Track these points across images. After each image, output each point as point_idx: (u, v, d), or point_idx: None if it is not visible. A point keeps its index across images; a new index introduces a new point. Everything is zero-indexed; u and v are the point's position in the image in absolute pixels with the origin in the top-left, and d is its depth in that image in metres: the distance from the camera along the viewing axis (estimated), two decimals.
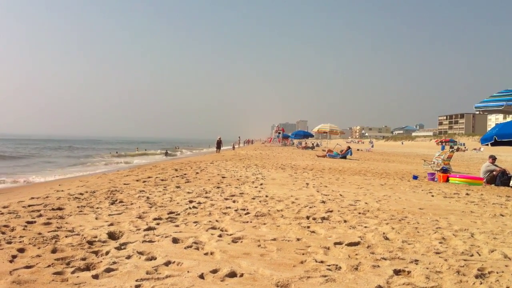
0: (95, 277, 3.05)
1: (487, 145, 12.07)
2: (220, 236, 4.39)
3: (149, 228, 4.64)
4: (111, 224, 4.80)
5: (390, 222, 5.53)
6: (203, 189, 8.43)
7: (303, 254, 3.84)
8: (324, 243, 4.25)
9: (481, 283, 3.15)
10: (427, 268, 3.47)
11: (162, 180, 10.04)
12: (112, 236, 4.29)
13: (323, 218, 5.58)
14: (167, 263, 3.40)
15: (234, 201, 6.90)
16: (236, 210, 5.99)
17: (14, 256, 3.44)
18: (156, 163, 19.28)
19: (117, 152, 43.65)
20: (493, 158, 12.49)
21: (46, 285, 2.85)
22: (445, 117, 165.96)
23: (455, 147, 64.33)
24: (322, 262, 3.58)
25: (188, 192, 7.83)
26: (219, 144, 36.17)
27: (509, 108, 12.15)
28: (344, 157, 25.37)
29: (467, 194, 9.18)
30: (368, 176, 13.22)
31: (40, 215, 5.22)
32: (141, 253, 3.67)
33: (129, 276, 3.06)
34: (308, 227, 5.02)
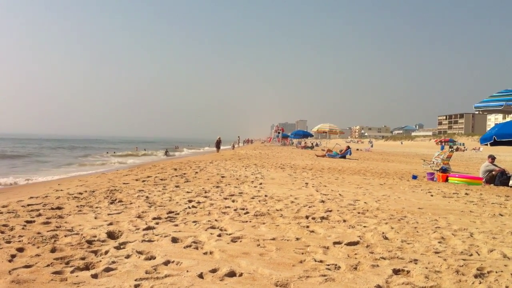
0: (94, 276, 3.05)
1: (487, 145, 12.08)
2: (219, 235, 4.39)
3: (148, 228, 4.64)
4: (111, 224, 4.80)
5: (389, 221, 5.54)
6: (203, 188, 8.42)
7: (302, 253, 3.85)
8: (323, 242, 4.25)
9: (480, 283, 3.16)
10: (426, 268, 3.48)
11: (161, 179, 10.04)
12: (111, 235, 4.29)
13: (322, 218, 5.58)
14: (166, 263, 3.40)
15: (233, 201, 6.90)
16: (235, 210, 5.99)
17: (13, 256, 3.44)
18: (155, 163, 19.27)
19: (114, 152, 43.62)
20: (492, 158, 12.50)
21: (45, 285, 2.85)
22: (444, 117, 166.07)
23: (455, 147, 64.39)
24: (321, 261, 3.58)
25: (188, 192, 7.83)
26: (218, 144, 36.20)
27: (509, 108, 12.16)
28: (343, 156, 25.37)
29: (466, 193, 9.19)
30: (367, 176, 13.22)
31: (39, 215, 5.21)
32: (140, 252, 3.67)
33: (128, 276, 3.06)
34: (307, 226, 5.03)
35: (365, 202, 7.24)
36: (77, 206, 5.95)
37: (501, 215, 6.47)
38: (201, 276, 3.11)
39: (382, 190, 9.38)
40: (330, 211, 6.17)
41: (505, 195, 9.19)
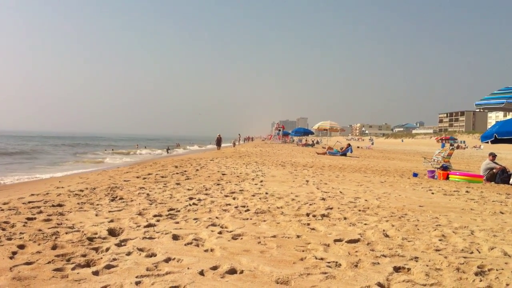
0: (95, 273, 3.05)
1: (487, 142, 12.07)
2: (220, 233, 4.40)
3: (149, 225, 4.65)
4: (111, 221, 4.80)
5: (390, 219, 5.54)
6: (203, 186, 8.43)
7: (303, 251, 3.85)
8: (324, 240, 4.25)
9: (480, 281, 3.16)
10: (427, 265, 3.48)
11: (162, 177, 10.04)
12: (112, 232, 4.29)
13: (323, 215, 5.58)
14: (167, 260, 3.40)
15: (234, 198, 6.90)
16: (236, 207, 6.00)
17: (14, 253, 3.45)
18: (156, 160, 19.27)
19: (112, 150, 43.70)
20: (493, 156, 12.49)
21: (46, 282, 2.85)
22: (445, 115, 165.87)
23: (455, 144, 64.35)
24: (322, 259, 3.58)
25: (188, 189, 7.84)
26: (219, 141, 36.24)
27: (510, 106, 12.13)
28: (344, 154, 25.37)
29: (467, 191, 9.19)
30: (368, 174, 13.22)
31: (40, 212, 5.22)
32: (141, 249, 3.67)
33: (129, 273, 3.06)
34: (308, 224, 5.03)
35: (366, 200, 7.24)
36: (78, 203, 5.95)
37: (502, 213, 6.47)
38: (202, 273, 3.12)
39: (383, 187, 9.38)
40: (331, 208, 6.18)
41: (505, 193, 9.19)
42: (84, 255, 3.47)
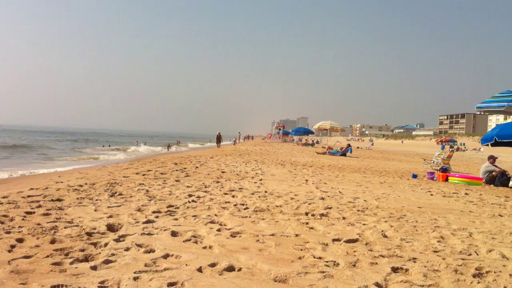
0: (94, 268, 3.05)
1: (487, 145, 12.06)
2: (218, 230, 4.40)
3: (148, 221, 4.65)
4: (110, 216, 4.80)
5: (388, 220, 5.54)
6: (203, 183, 8.43)
7: (301, 250, 3.85)
8: (322, 239, 4.25)
9: (478, 282, 3.16)
10: (425, 267, 3.48)
11: (161, 173, 10.04)
12: (111, 228, 4.29)
13: (322, 215, 5.58)
14: (166, 256, 3.40)
15: (233, 196, 6.91)
16: (235, 205, 6.00)
17: (12, 246, 3.45)
18: (155, 157, 19.26)
19: (109, 145, 43.82)
20: (493, 159, 12.49)
21: (45, 275, 2.85)
22: (445, 117, 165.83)
23: (455, 146, 64.34)
24: (320, 258, 3.58)
25: (188, 186, 7.84)
26: (219, 139, 36.25)
27: (511, 109, 12.14)
28: (344, 154, 25.37)
29: (466, 193, 9.18)
30: (367, 174, 13.22)
31: (40, 206, 5.22)
32: (139, 245, 3.67)
33: (127, 268, 3.06)
34: (307, 223, 5.03)
35: (365, 200, 7.24)
36: (77, 198, 5.95)
37: (501, 216, 6.47)
38: (200, 270, 3.12)
39: (382, 188, 9.38)
40: (330, 208, 6.17)
41: (505, 196, 9.19)
42: (82, 250, 3.47)
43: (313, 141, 56.99)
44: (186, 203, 5.98)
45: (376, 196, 7.94)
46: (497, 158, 13.00)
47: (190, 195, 6.70)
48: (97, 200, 5.94)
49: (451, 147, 57.56)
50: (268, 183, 9.05)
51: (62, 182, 7.90)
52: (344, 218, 5.47)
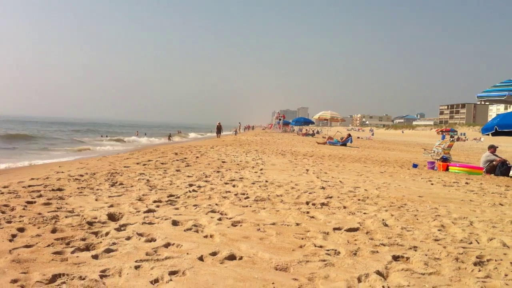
0: (95, 257, 3.05)
1: (488, 135, 12.03)
2: (219, 219, 4.40)
3: (149, 211, 4.65)
4: (111, 206, 4.81)
5: (389, 209, 5.54)
6: (203, 173, 8.43)
7: (302, 238, 3.85)
8: (323, 228, 4.26)
9: (479, 271, 3.16)
10: (426, 255, 3.48)
11: (162, 163, 10.04)
12: (112, 217, 4.29)
13: (322, 204, 5.58)
14: (167, 245, 3.41)
15: (234, 186, 6.91)
16: (235, 195, 6.00)
17: (14, 235, 3.45)
18: (156, 147, 19.25)
19: (107, 136, 43.85)
20: (494, 148, 12.47)
21: (46, 264, 2.85)
22: (446, 107, 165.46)
23: (456, 136, 64.31)
24: (321, 246, 3.59)
25: (188, 176, 7.84)
26: (219, 129, 36.21)
27: None
28: (344, 144, 25.35)
29: (467, 183, 9.19)
30: (368, 164, 13.22)
31: (40, 196, 5.22)
32: (140, 234, 3.68)
33: (128, 257, 3.07)
34: (308, 212, 5.03)
35: (366, 190, 7.25)
36: (78, 188, 5.95)
37: (501, 205, 6.48)
38: (201, 258, 3.12)
39: (383, 178, 9.38)
40: (331, 197, 6.18)
41: (505, 185, 9.19)
42: (83, 239, 3.47)
43: (313, 131, 56.93)
44: (186, 192, 5.98)
45: (377, 185, 7.94)
46: (497, 147, 12.98)
47: (190, 185, 6.70)
48: (98, 189, 5.94)
49: (451, 137, 57.55)
50: (268, 173, 9.05)
51: (62, 172, 7.89)
52: (344, 207, 5.47)
